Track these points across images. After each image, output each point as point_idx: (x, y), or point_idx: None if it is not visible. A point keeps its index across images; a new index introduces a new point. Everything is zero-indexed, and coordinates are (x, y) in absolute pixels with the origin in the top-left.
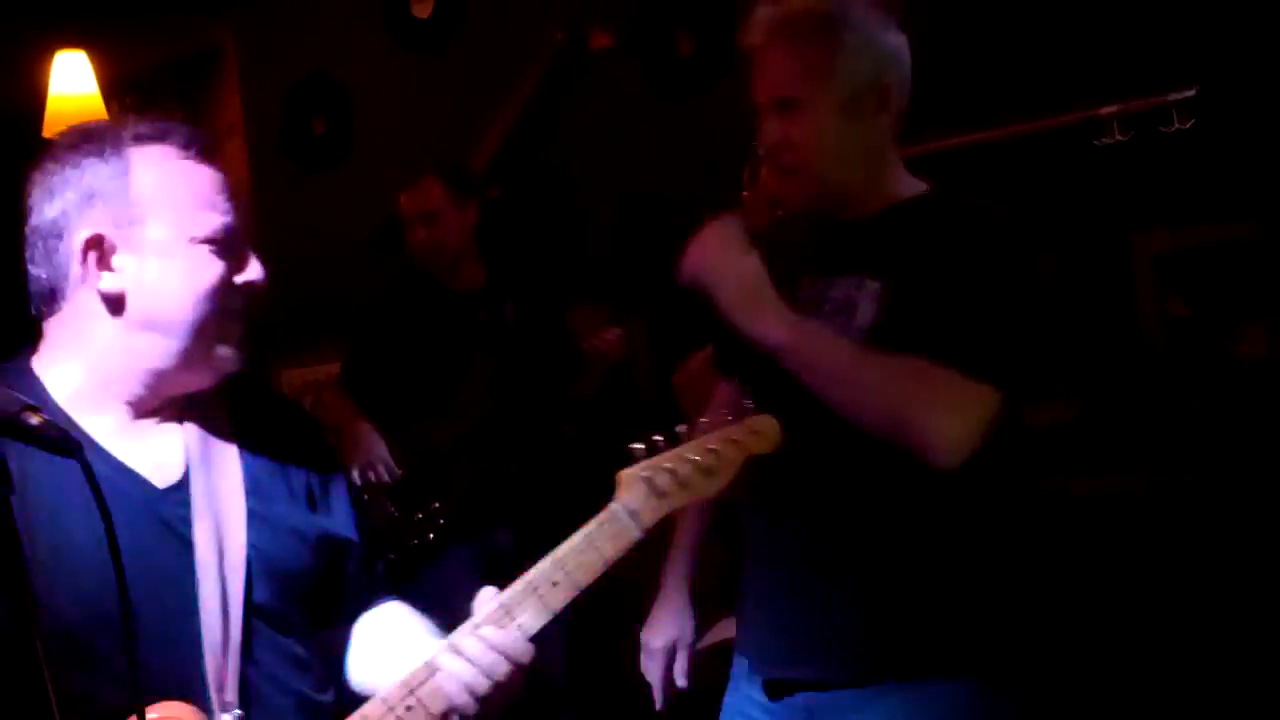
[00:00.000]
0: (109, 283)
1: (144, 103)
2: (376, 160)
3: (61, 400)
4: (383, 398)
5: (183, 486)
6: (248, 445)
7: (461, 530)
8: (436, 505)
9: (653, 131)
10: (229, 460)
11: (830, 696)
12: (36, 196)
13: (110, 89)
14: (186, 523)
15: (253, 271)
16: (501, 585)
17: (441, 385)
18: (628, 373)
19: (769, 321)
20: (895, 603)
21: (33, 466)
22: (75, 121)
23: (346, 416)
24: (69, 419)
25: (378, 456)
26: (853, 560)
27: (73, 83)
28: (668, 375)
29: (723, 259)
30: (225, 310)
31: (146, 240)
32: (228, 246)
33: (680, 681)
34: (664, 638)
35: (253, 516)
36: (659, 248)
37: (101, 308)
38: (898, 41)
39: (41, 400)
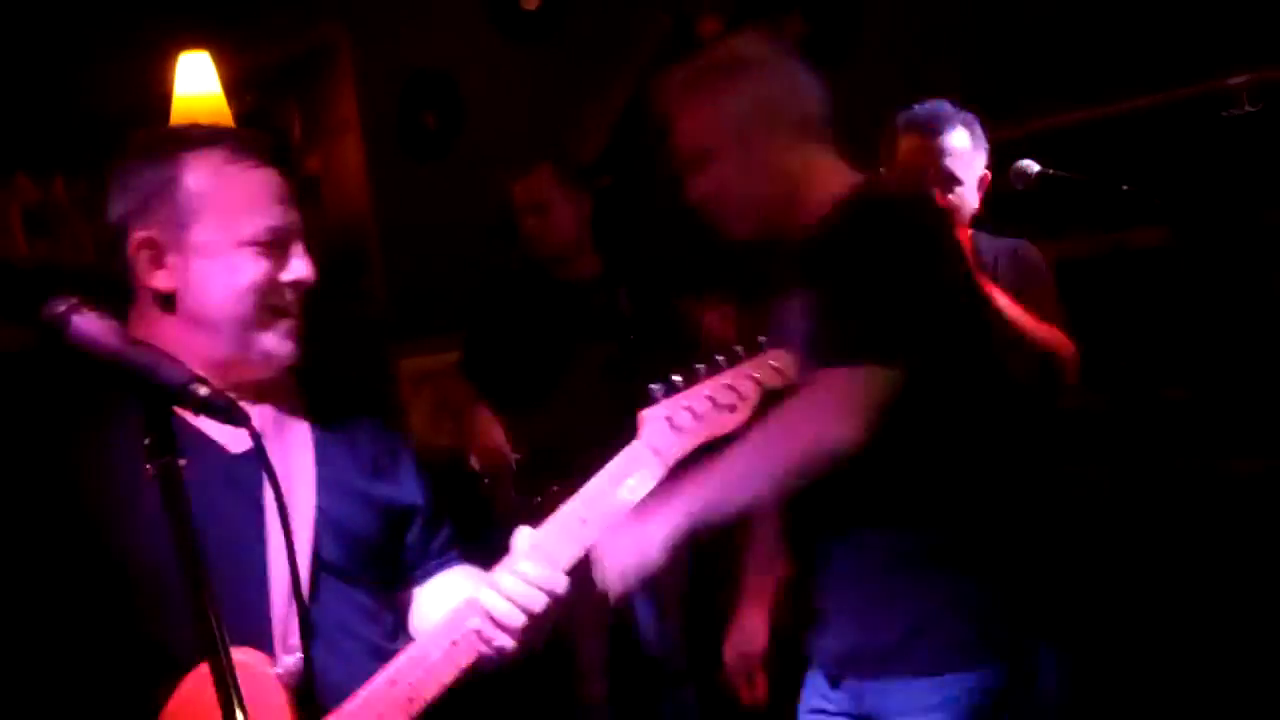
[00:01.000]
0: (161, 281)
1: (263, 100)
2: (489, 151)
3: None
4: (500, 385)
5: (256, 454)
6: (319, 422)
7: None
8: (555, 489)
9: None
10: (300, 433)
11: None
12: (109, 194)
13: (230, 88)
14: (258, 486)
15: (298, 269)
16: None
17: (556, 373)
18: None
19: (660, 532)
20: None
21: (118, 414)
22: (200, 121)
23: (467, 402)
24: None
25: (496, 441)
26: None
27: (196, 83)
28: None
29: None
30: (271, 307)
31: (193, 242)
32: (274, 246)
33: (755, 692)
34: (736, 651)
35: (321, 482)
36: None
37: (158, 304)
38: (760, 52)
39: None
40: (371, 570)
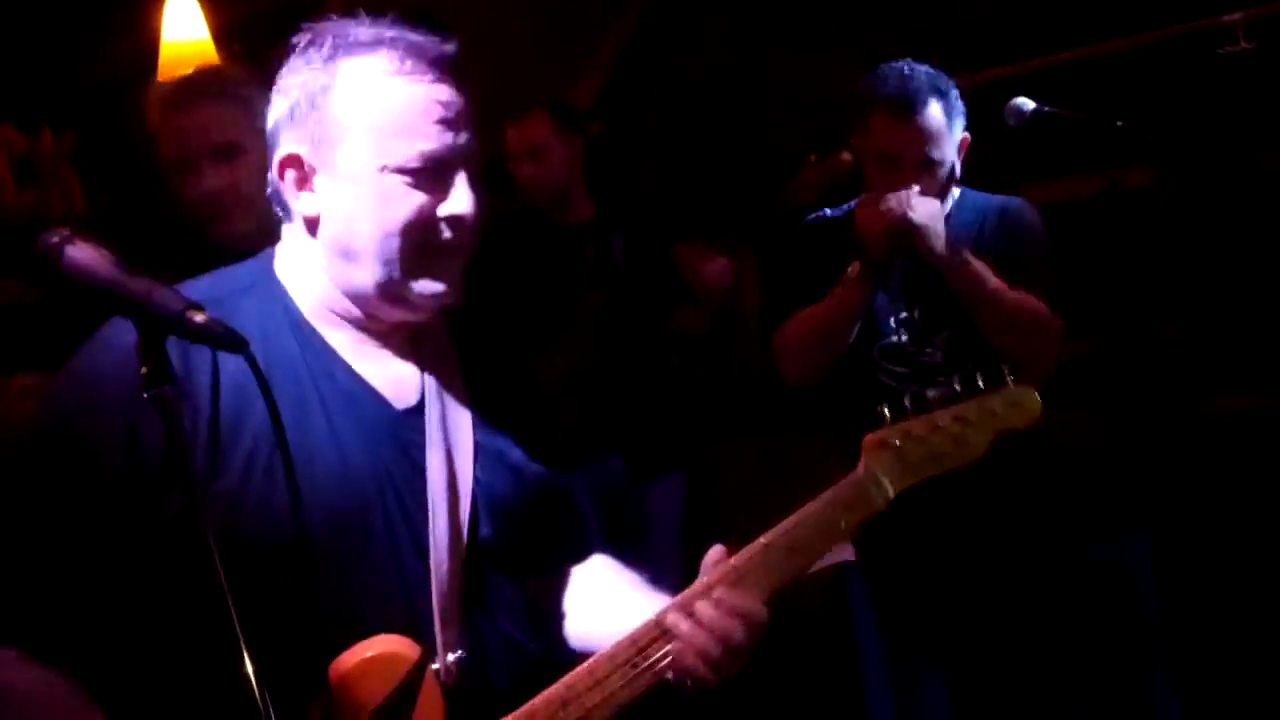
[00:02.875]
0: (304, 205)
1: (249, 49)
2: (480, 96)
3: (305, 309)
4: (500, 329)
5: (419, 411)
6: (475, 380)
7: (574, 460)
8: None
9: (758, 67)
10: (460, 394)
11: None
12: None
13: (218, 36)
14: (421, 449)
15: (457, 203)
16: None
17: (551, 320)
18: (735, 306)
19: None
20: None
21: (278, 370)
22: (188, 67)
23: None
24: (310, 327)
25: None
26: None
27: (184, 28)
28: (774, 308)
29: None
30: (422, 245)
31: (339, 165)
32: (428, 176)
33: None
34: None
35: (480, 452)
36: (765, 181)
37: (305, 228)
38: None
39: (285, 308)
40: (518, 550)
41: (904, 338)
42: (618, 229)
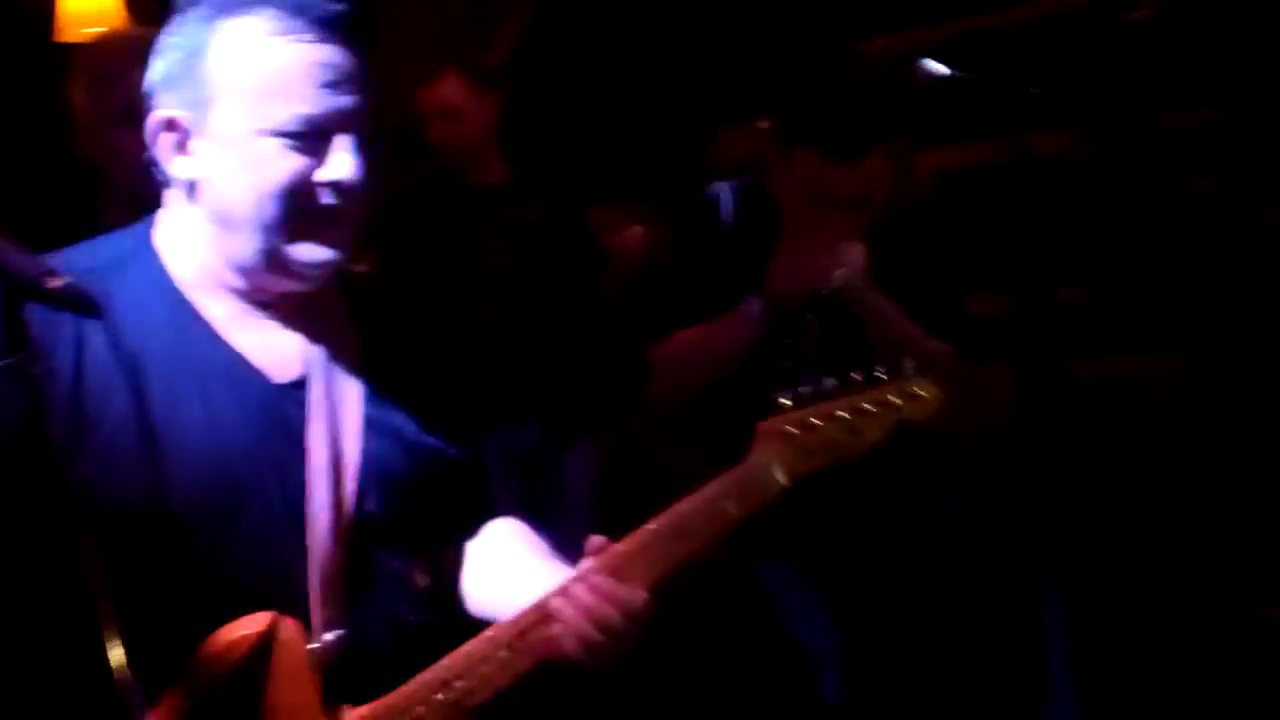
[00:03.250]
0: (181, 169)
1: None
2: (393, 56)
3: (184, 279)
4: (415, 293)
5: (301, 385)
6: (370, 351)
7: (489, 424)
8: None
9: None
10: (351, 366)
11: None
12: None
13: None
14: (301, 423)
15: (338, 168)
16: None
17: (464, 283)
18: (652, 273)
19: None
20: None
21: (150, 344)
22: (88, 22)
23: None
24: (184, 300)
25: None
26: None
27: None
28: (687, 277)
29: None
30: (303, 211)
31: (215, 127)
32: (308, 140)
33: None
34: None
35: (370, 424)
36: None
37: (183, 194)
38: None
39: (159, 279)
40: (411, 525)
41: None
42: (533, 192)
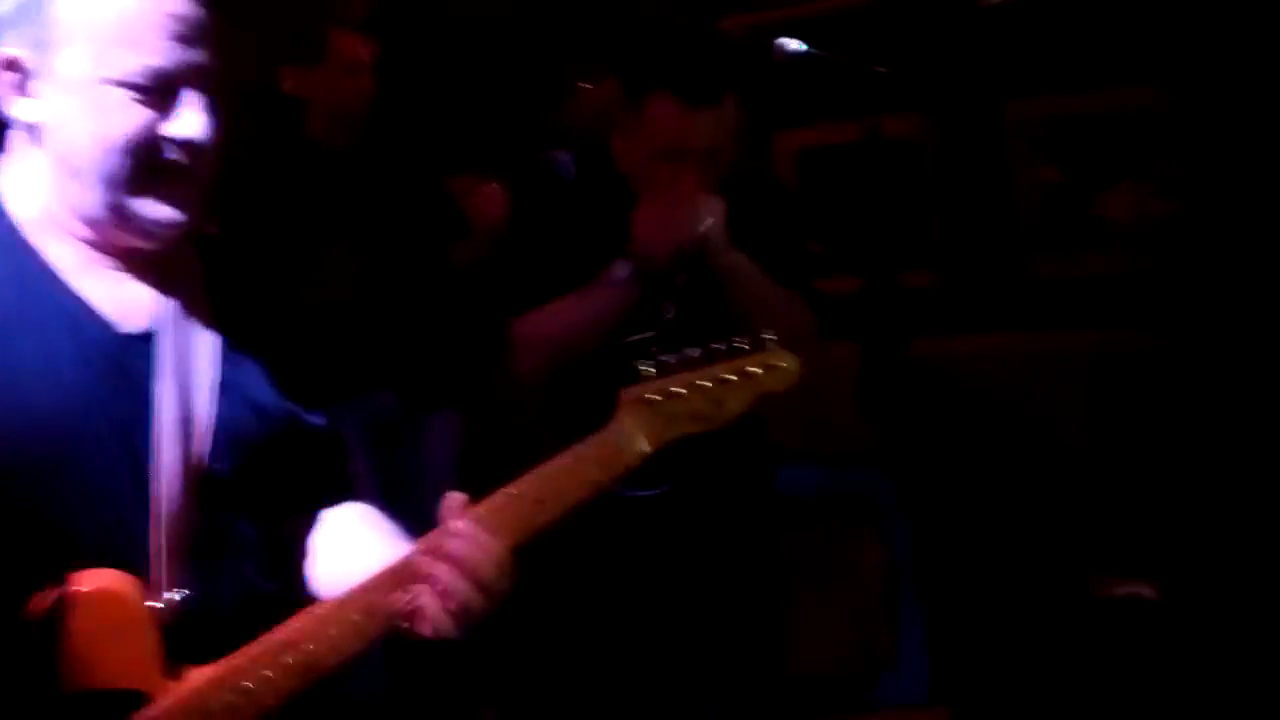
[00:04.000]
0: (22, 111)
1: None
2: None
3: (26, 220)
4: (264, 254)
5: (148, 339)
6: (224, 311)
7: (345, 393)
8: (317, 369)
9: None
10: (204, 324)
11: None
12: None
13: None
14: (147, 377)
15: (186, 124)
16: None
17: (317, 248)
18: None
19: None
20: None
21: None
22: None
23: None
24: (27, 244)
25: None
26: None
27: None
28: (531, 247)
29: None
30: (147, 165)
31: (58, 72)
32: (154, 93)
33: None
34: None
35: (223, 387)
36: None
37: (26, 136)
38: None
39: (2, 221)
40: (262, 491)
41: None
42: (386, 154)
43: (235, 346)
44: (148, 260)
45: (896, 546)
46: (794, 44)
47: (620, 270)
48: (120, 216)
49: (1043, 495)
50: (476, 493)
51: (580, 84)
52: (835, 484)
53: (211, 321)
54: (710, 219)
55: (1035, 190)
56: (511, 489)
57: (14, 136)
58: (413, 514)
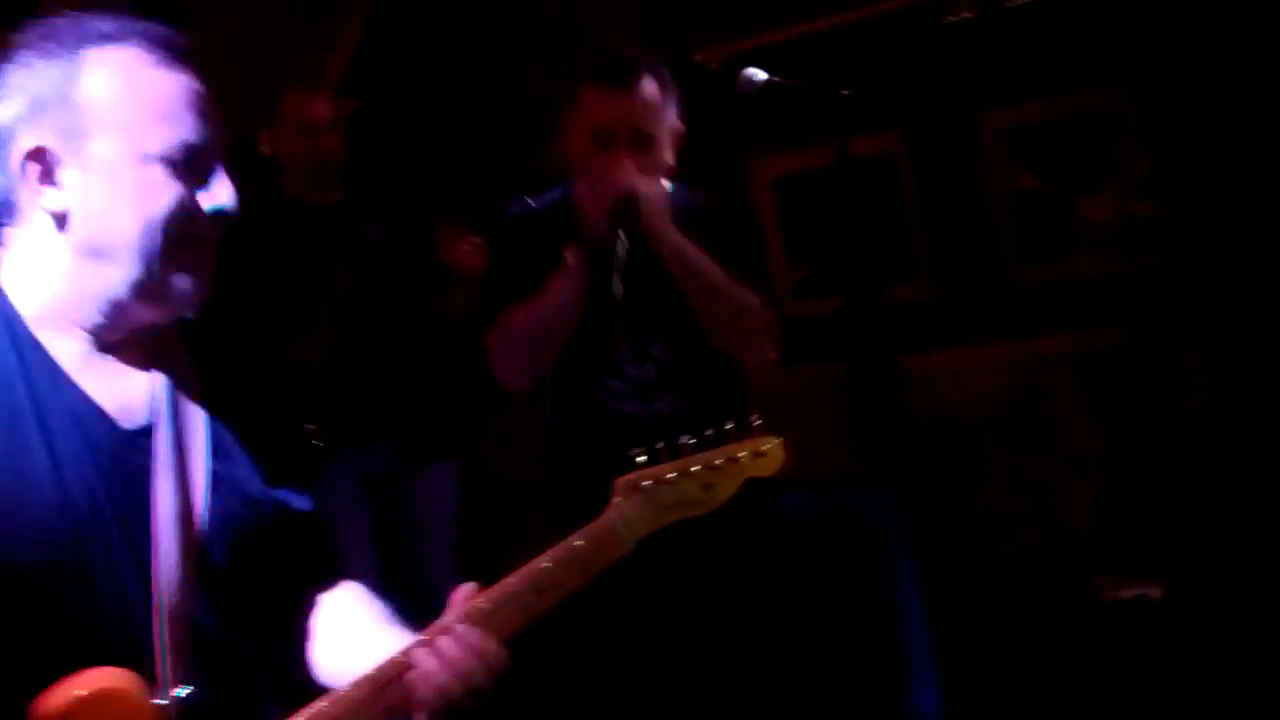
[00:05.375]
0: (52, 200)
1: None
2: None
3: (28, 317)
4: (246, 322)
5: (148, 433)
6: (213, 402)
7: (339, 450)
8: (310, 427)
9: (500, 36)
10: (195, 415)
11: None
12: None
13: None
14: (147, 473)
15: (219, 195)
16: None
17: (302, 307)
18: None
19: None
20: None
21: None
22: None
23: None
24: (33, 339)
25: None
26: None
27: None
28: (485, 309)
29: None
30: (183, 239)
31: (93, 156)
32: (188, 167)
33: None
34: None
35: (214, 478)
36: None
37: (50, 226)
38: None
39: (7, 317)
40: (259, 584)
41: (624, 348)
42: (369, 210)
43: (224, 434)
44: (143, 346)
45: (898, 562)
46: (759, 74)
47: (570, 254)
48: (151, 292)
49: (1042, 500)
50: (473, 542)
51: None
52: (833, 503)
53: (202, 406)
54: (643, 188)
55: (1013, 198)
56: (511, 579)
57: (20, 234)
58: (411, 565)
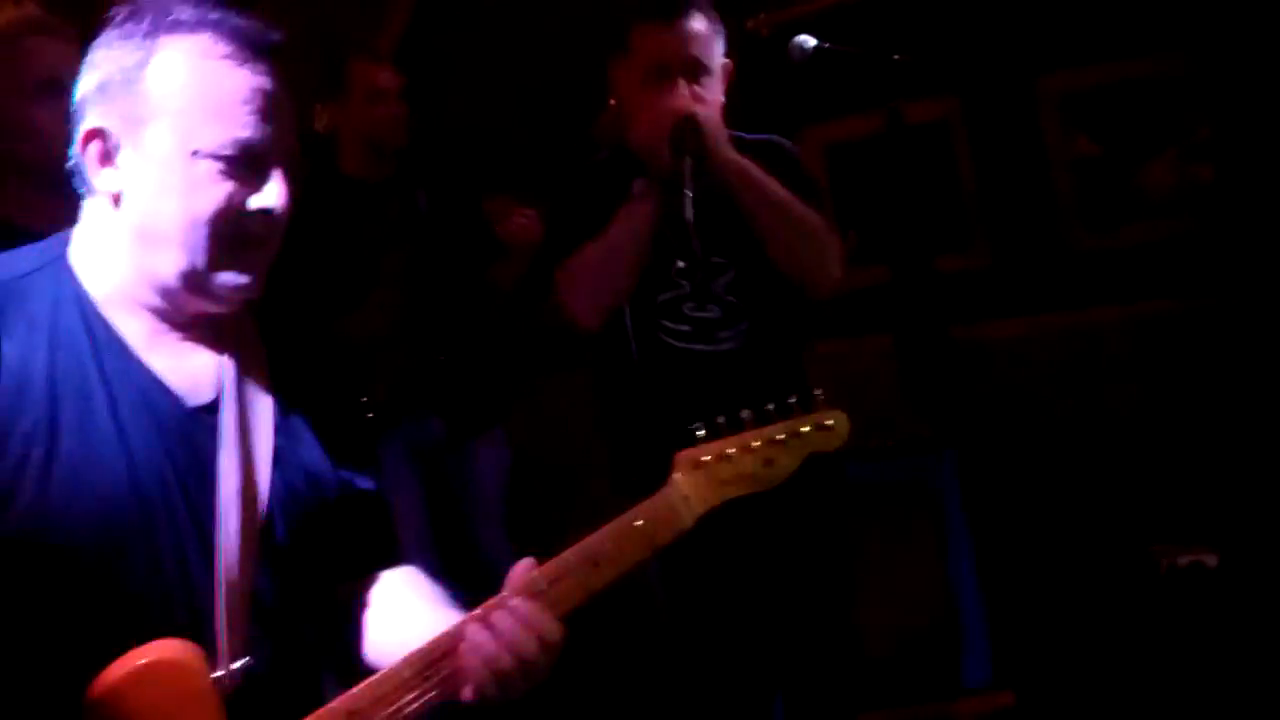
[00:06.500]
0: (106, 181)
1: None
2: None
3: (97, 296)
4: (303, 295)
5: (213, 410)
6: (280, 381)
7: (391, 422)
8: (364, 400)
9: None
10: (261, 392)
11: None
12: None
13: None
14: (213, 450)
15: (269, 197)
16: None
17: (358, 281)
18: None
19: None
20: None
21: (64, 361)
22: None
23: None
24: (102, 318)
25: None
26: None
27: None
28: (555, 250)
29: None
30: (230, 236)
31: (148, 144)
32: (241, 165)
33: None
34: None
35: (279, 455)
36: (573, 128)
37: (109, 206)
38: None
39: (75, 294)
40: (317, 558)
41: (685, 288)
42: (421, 183)
43: (290, 413)
44: (212, 328)
45: (954, 531)
46: (809, 41)
47: (637, 186)
48: (196, 285)
49: (1099, 470)
50: (525, 512)
51: (612, 100)
52: (890, 473)
53: (268, 384)
54: (703, 112)
55: (1072, 164)
56: (569, 554)
57: (89, 210)
58: (464, 539)
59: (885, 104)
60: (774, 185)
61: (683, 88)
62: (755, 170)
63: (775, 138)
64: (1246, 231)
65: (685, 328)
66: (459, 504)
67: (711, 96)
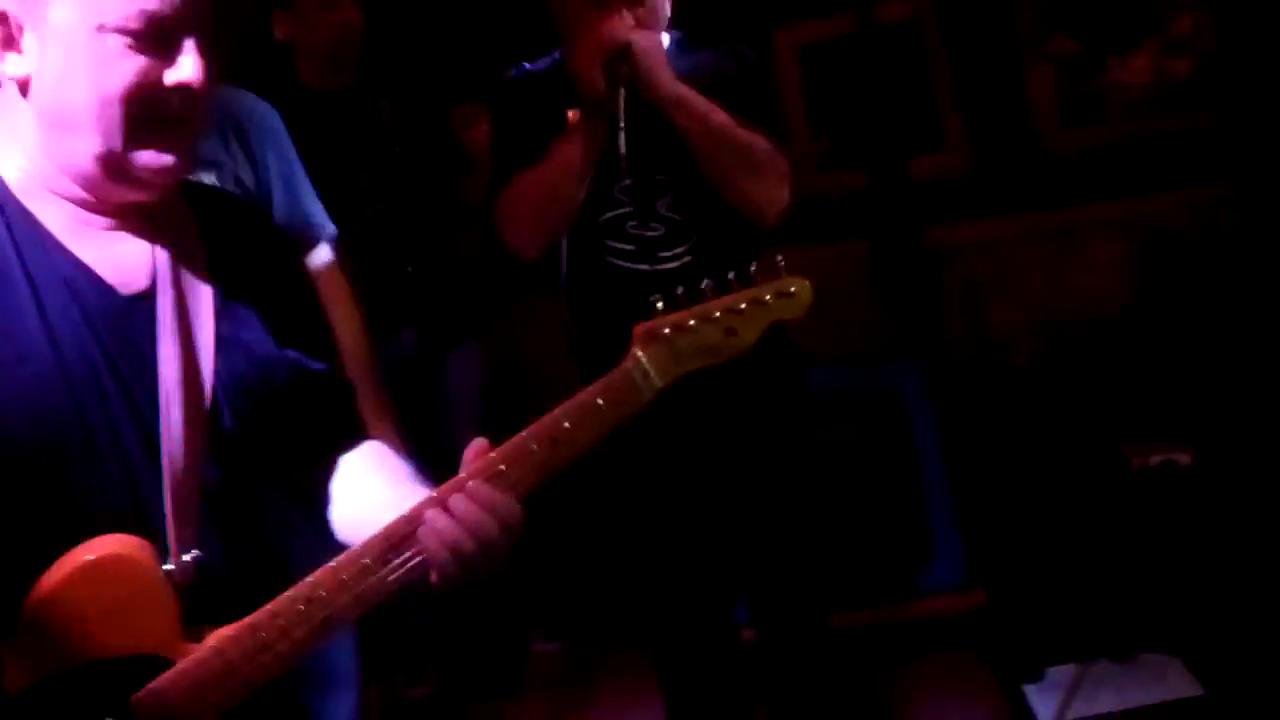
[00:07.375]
0: (13, 66)
1: None
2: None
3: (15, 185)
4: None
5: (148, 298)
6: (220, 265)
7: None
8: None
9: None
10: (200, 279)
11: None
12: None
13: None
14: (150, 339)
15: (183, 70)
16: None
17: (322, 191)
18: None
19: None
20: None
21: None
22: None
23: None
24: (20, 206)
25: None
26: None
27: None
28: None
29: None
30: (147, 114)
31: (51, 23)
32: (150, 38)
33: None
34: None
35: (221, 341)
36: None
37: (17, 94)
38: None
39: None
40: (271, 444)
41: (628, 206)
42: (384, 93)
43: (232, 298)
44: (141, 216)
45: (923, 434)
46: None
47: (572, 116)
48: (115, 169)
49: (1073, 369)
50: (501, 425)
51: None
52: (858, 380)
53: (208, 274)
54: (638, 39)
55: (1049, 62)
56: (526, 433)
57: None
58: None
59: (857, 3)
60: (715, 113)
61: (620, 16)
62: (694, 99)
63: (733, 46)
64: (1225, 126)
65: (629, 246)
66: (433, 418)
67: (654, 17)
